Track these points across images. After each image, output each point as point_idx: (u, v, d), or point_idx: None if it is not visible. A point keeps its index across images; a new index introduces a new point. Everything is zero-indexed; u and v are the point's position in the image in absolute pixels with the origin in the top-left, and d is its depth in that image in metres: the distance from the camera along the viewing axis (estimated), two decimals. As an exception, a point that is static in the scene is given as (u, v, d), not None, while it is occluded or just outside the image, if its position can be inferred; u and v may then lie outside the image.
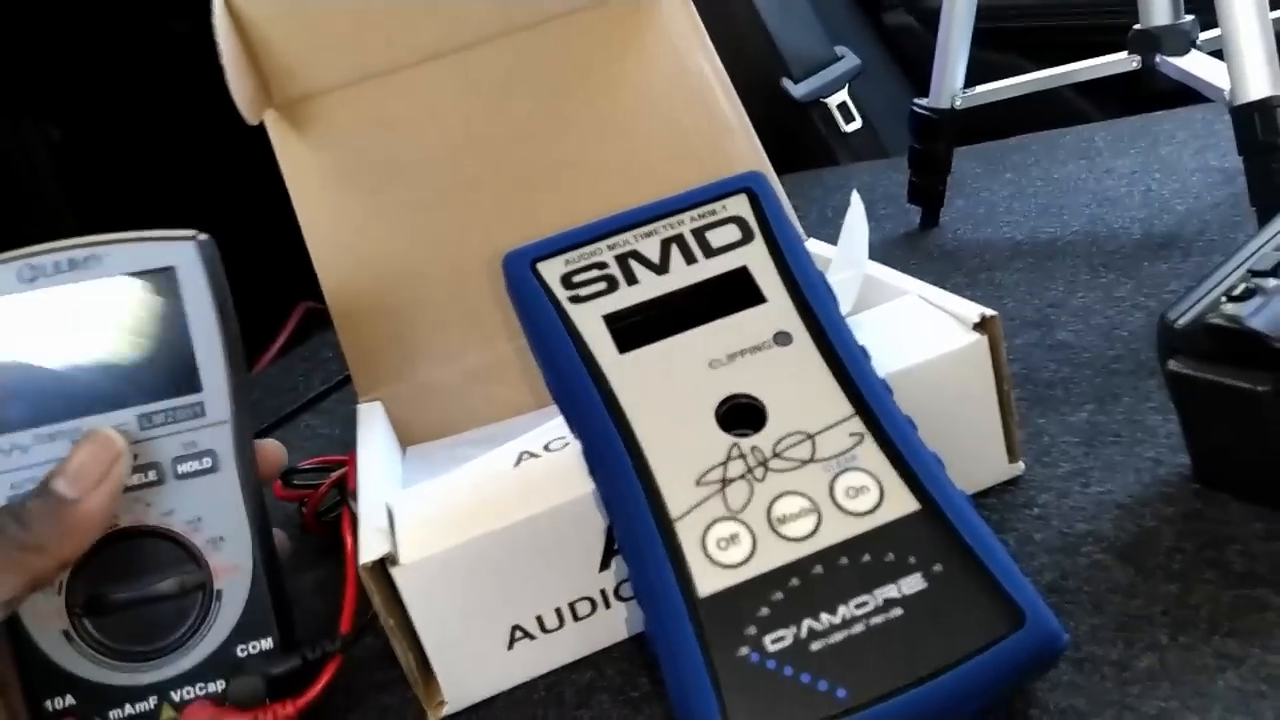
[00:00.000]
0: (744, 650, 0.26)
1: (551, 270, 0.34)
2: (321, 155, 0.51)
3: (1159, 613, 0.30)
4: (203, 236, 0.37)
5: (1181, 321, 0.33)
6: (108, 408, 0.35)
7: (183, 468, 0.35)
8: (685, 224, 0.34)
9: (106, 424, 0.34)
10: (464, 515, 0.33)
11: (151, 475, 0.34)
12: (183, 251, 0.36)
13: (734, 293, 0.33)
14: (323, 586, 0.43)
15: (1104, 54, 0.61)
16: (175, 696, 0.34)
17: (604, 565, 0.34)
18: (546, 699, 0.34)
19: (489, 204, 0.51)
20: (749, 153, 0.53)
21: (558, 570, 0.34)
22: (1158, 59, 0.56)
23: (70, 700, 0.33)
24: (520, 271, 0.34)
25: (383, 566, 0.32)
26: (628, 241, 0.34)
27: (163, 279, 0.36)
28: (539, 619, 0.34)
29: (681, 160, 0.52)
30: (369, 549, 0.32)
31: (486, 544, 0.33)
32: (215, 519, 0.35)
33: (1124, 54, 0.58)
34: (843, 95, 0.96)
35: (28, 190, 1.04)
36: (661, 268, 0.33)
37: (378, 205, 0.50)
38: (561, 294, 0.33)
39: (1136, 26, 0.57)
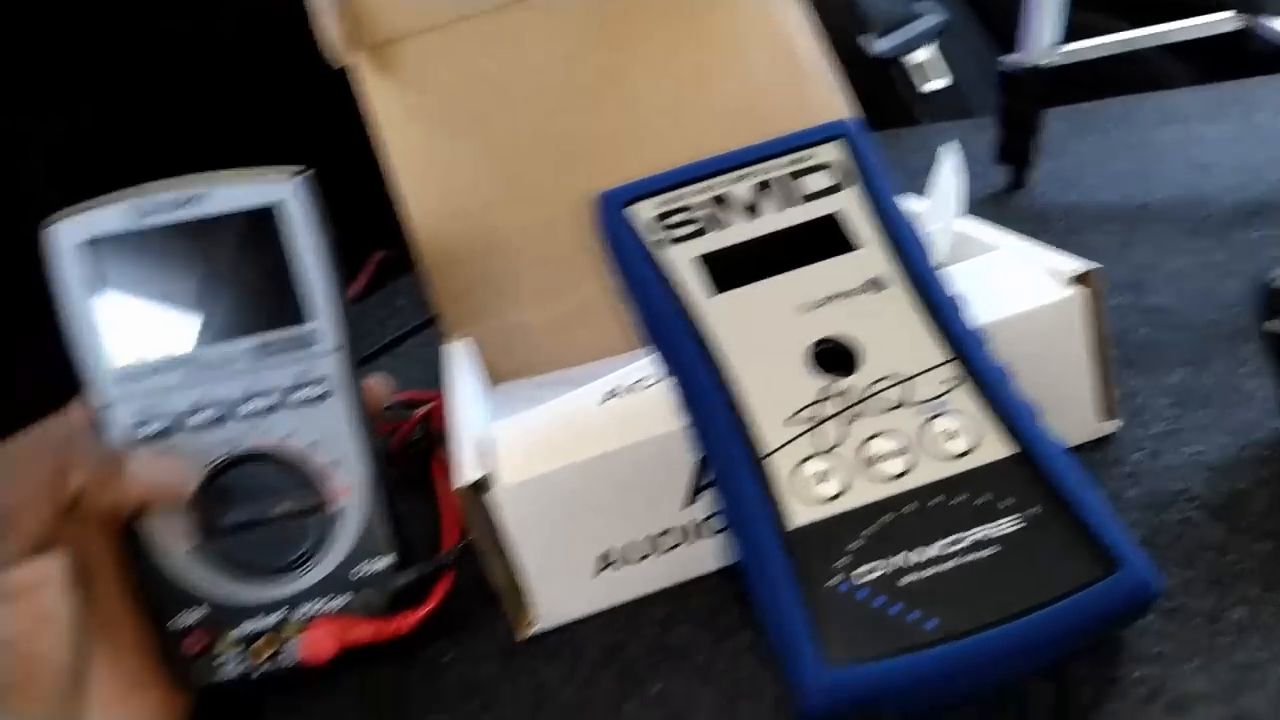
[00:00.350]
0: (835, 580, 0.27)
1: (643, 212, 0.34)
2: (414, 98, 0.51)
3: (1252, 568, 0.30)
4: (305, 172, 0.38)
5: (1283, 281, 0.33)
6: (222, 338, 0.36)
7: (297, 395, 0.36)
8: (778, 169, 0.35)
9: (221, 354, 0.36)
10: (557, 445, 0.34)
11: (268, 401, 0.36)
12: (287, 187, 0.37)
13: (827, 238, 0.33)
14: (411, 515, 0.44)
15: (1200, 14, 0.59)
16: (300, 612, 0.35)
17: (690, 500, 0.35)
18: (630, 624, 0.35)
19: (577, 149, 0.51)
20: (835, 103, 0.53)
21: (645, 502, 0.35)
22: (1260, 20, 0.54)
23: (197, 616, 0.35)
24: (612, 213, 0.34)
25: (477, 490, 0.33)
26: (720, 185, 0.34)
27: (269, 214, 0.37)
28: (626, 548, 0.35)
29: (763, 106, 0.52)
30: (467, 472, 0.33)
31: (578, 472, 0.34)
32: (330, 443, 0.36)
33: (1224, 14, 0.56)
34: (925, 53, 0.94)
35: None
36: (754, 211, 0.34)
37: (469, 148, 0.51)
38: (653, 236, 0.34)
39: (1241, -17, 0.56)
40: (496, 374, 0.49)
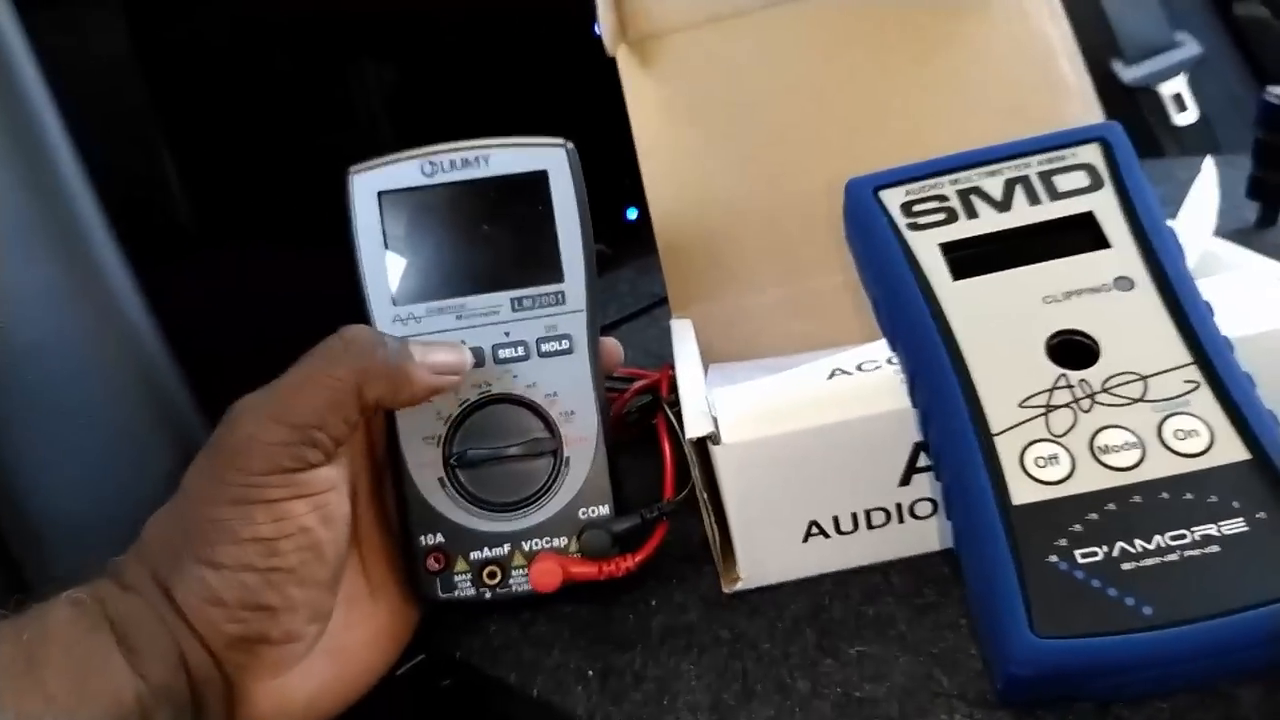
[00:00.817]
0: (1053, 558, 0.28)
1: (893, 198, 0.36)
2: (665, 89, 0.55)
3: None
4: (570, 145, 0.41)
5: None
6: (487, 289, 0.40)
7: (545, 347, 0.40)
8: (1032, 166, 0.35)
9: (485, 304, 0.40)
10: (780, 411, 0.36)
11: (519, 351, 0.40)
12: (555, 156, 0.41)
13: (1077, 235, 0.34)
14: (628, 475, 0.47)
15: None
16: (526, 546, 0.39)
17: (904, 481, 0.36)
18: (833, 592, 0.36)
19: (817, 147, 0.53)
20: (1087, 115, 0.52)
21: (860, 477, 0.36)
22: None
23: (440, 539, 0.39)
24: (862, 196, 0.36)
25: (703, 445, 0.36)
26: (971, 178, 0.36)
27: (537, 180, 0.41)
28: (835, 519, 0.37)
29: (1015, 119, 0.52)
30: (695, 426, 0.36)
31: (799, 440, 0.35)
32: (569, 395, 0.39)
33: None
34: (1178, 84, 0.91)
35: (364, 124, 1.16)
36: (1004, 205, 0.35)
37: (711, 139, 0.54)
38: (901, 220, 0.35)
39: None
40: (712, 355, 0.51)
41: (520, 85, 1.03)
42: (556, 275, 0.40)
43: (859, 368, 0.38)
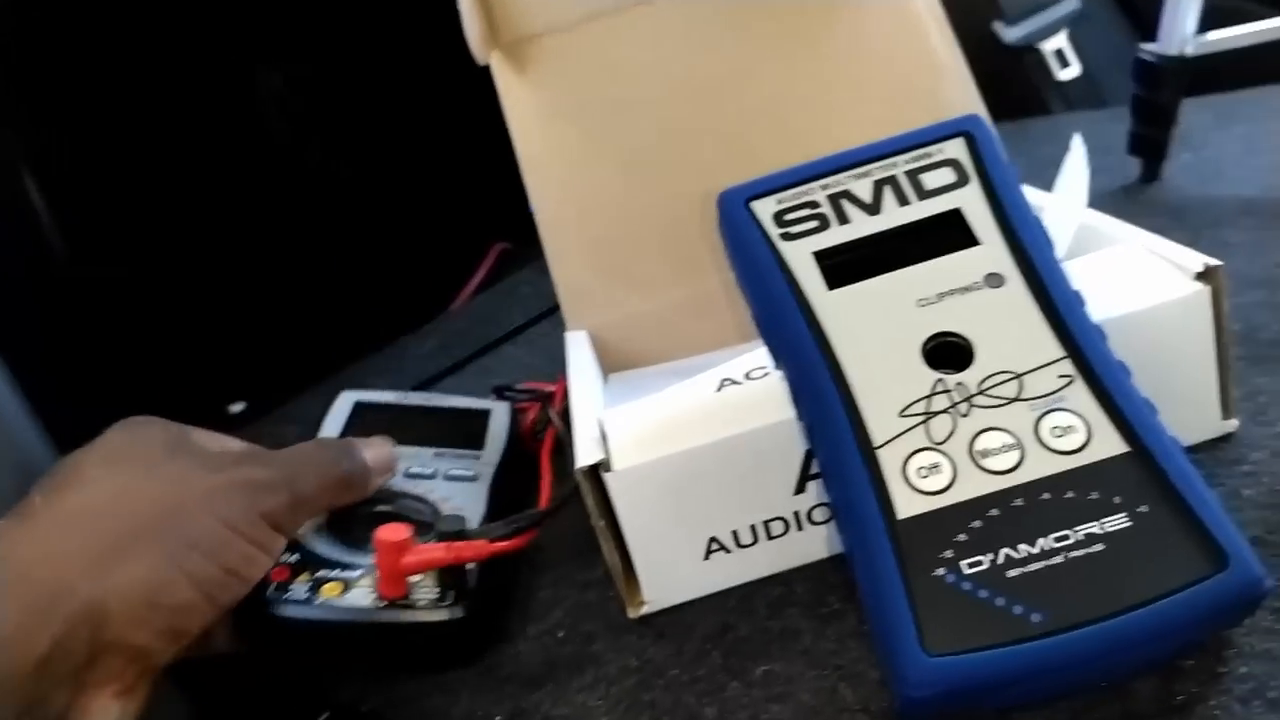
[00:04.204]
0: (940, 571, 0.27)
1: (764, 208, 0.35)
2: (543, 94, 0.54)
3: (1371, 573, 0.30)
4: (509, 413, 0.51)
5: None
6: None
7: (451, 473, 0.45)
8: (899, 166, 0.35)
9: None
10: (671, 431, 0.36)
11: (429, 471, 0.45)
12: (500, 408, 0.52)
13: (946, 234, 0.33)
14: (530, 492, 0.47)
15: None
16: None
17: (799, 489, 0.36)
18: (739, 608, 0.36)
19: (703, 143, 0.53)
20: (963, 95, 0.52)
21: (755, 489, 0.36)
22: None
23: (294, 557, 0.38)
24: (734, 208, 0.35)
25: (596, 472, 0.35)
26: (840, 182, 0.35)
27: (484, 415, 0.51)
28: (735, 533, 0.36)
29: (895, 102, 0.52)
30: (585, 455, 0.35)
31: (690, 458, 0.35)
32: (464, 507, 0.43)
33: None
34: (1060, 40, 0.92)
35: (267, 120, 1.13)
36: (874, 208, 0.34)
37: (595, 143, 0.53)
38: (774, 231, 0.35)
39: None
40: (612, 364, 0.50)
41: (412, 90, 1.01)
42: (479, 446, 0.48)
43: (748, 375, 0.38)
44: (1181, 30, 0.61)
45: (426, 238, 1.07)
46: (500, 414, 0.51)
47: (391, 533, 0.36)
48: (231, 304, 1.03)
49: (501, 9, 0.53)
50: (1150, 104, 0.64)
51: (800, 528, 0.36)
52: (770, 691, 0.32)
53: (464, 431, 0.49)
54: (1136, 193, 0.65)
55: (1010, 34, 0.90)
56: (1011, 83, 0.92)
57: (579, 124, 0.53)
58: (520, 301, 0.77)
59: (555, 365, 0.50)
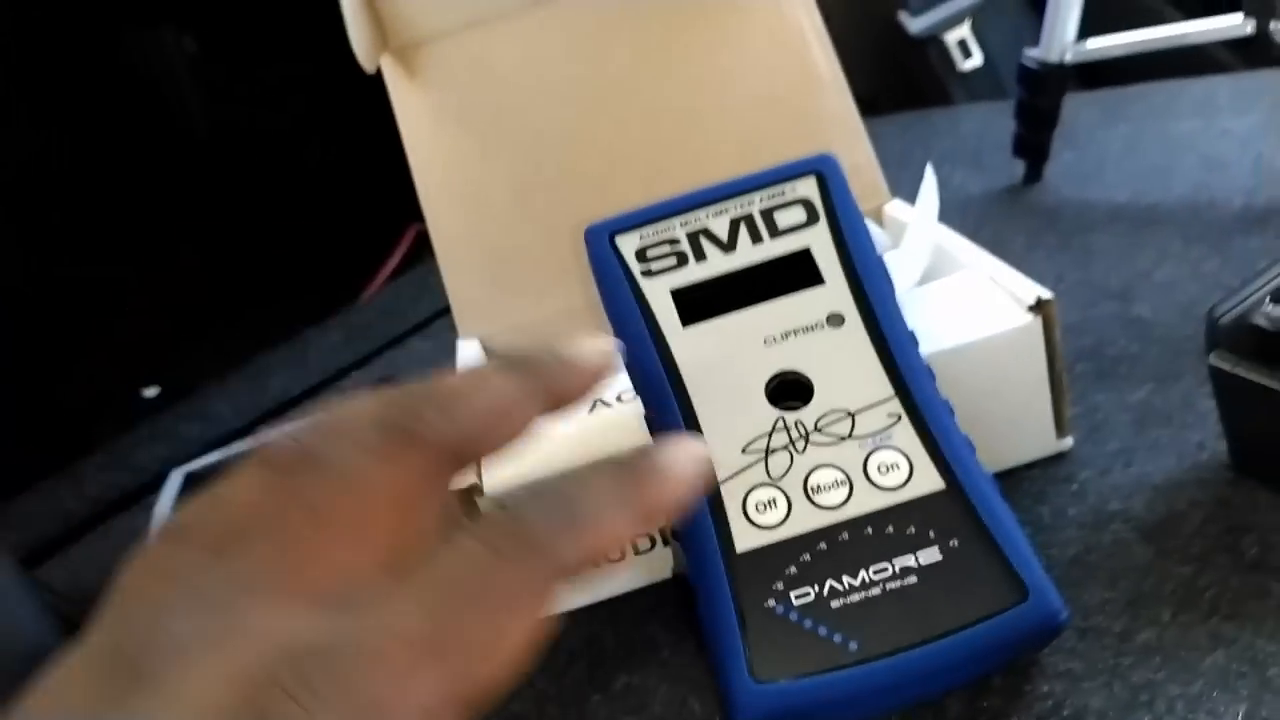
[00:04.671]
0: (771, 602, 0.30)
1: (628, 244, 0.37)
2: (431, 99, 0.54)
3: (1168, 592, 0.33)
4: None
5: (1225, 318, 0.35)
6: None
7: None
8: (755, 204, 0.37)
9: None
10: (544, 452, 0.37)
11: None
12: None
13: (795, 273, 0.35)
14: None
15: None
16: None
17: (665, 509, 0.38)
18: (610, 618, 0.38)
19: (585, 151, 0.54)
20: (840, 107, 0.54)
21: (624, 510, 0.38)
22: (1272, 25, 0.55)
23: None
24: (600, 244, 0.37)
25: (469, 495, 0.37)
26: (699, 219, 0.37)
27: None
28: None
29: (773, 112, 0.54)
30: (458, 479, 0.37)
31: (559, 483, 0.37)
32: None
33: (1235, 17, 0.57)
34: (962, 31, 0.94)
35: (166, 96, 1.11)
36: (729, 246, 0.36)
37: (482, 148, 0.54)
38: (635, 267, 0.36)
39: (1255, -13, 0.56)
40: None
41: (326, 64, 1.00)
42: None
43: (619, 398, 0.39)
44: (1062, 38, 0.64)
45: (342, 217, 1.07)
46: None
47: None
48: (145, 289, 1.03)
49: (389, 13, 0.54)
50: (1032, 108, 0.67)
51: (665, 542, 0.39)
52: (627, 704, 0.34)
53: None
54: (1019, 193, 0.68)
55: (915, 24, 0.93)
56: (915, 72, 0.94)
57: (467, 131, 0.54)
58: (429, 292, 0.78)
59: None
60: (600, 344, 0.26)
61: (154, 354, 0.96)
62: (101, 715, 0.18)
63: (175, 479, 0.53)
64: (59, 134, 0.99)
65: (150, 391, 0.93)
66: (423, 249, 0.99)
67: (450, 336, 0.70)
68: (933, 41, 0.93)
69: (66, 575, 0.55)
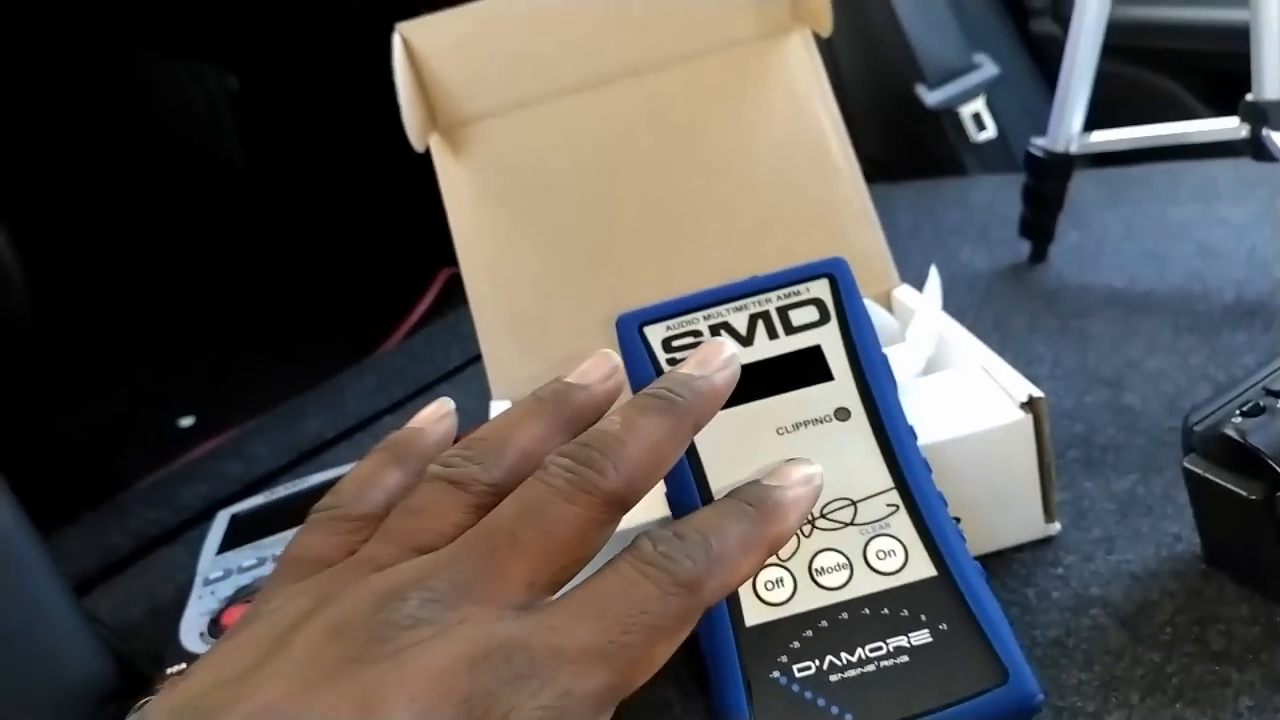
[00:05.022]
0: (775, 674, 0.33)
1: (655, 334, 0.40)
2: (474, 175, 0.58)
3: (1139, 676, 0.36)
4: None
5: (1199, 426, 0.38)
6: None
7: None
8: (772, 301, 0.40)
9: None
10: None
11: None
12: None
13: (806, 368, 0.39)
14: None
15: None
16: None
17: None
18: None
19: (615, 225, 0.58)
20: (854, 196, 0.58)
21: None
22: (1264, 132, 0.58)
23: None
24: (629, 333, 0.41)
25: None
26: (721, 314, 0.40)
27: None
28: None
29: (791, 198, 0.58)
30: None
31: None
32: None
33: (1232, 121, 0.60)
34: (978, 104, 0.98)
35: (208, 131, 1.16)
36: (747, 339, 0.40)
37: (522, 224, 0.58)
38: (661, 356, 0.40)
39: (1248, 97, 0.59)
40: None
41: (362, 108, 1.05)
42: None
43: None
44: (1068, 129, 0.67)
45: (375, 257, 1.11)
46: None
47: (232, 614, 0.40)
48: (179, 321, 1.07)
49: (438, 95, 0.58)
50: (1038, 193, 0.70)
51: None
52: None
53: None
54: (1024, 272, 0.71)
55: (931, 97, 0.96)
56: (930, 143, 0.98)
57: (507, 206, 0.58)
58: (460, 341, 0.82)
59: (486, 409, 0.55)
60: (724, 354, 0.32)
61: (188, 386, 1.00)
62: (356, 673, 0.23)
63: (222, 519, 0.57)
64: (101, 165, 1.04)
65: (186, 421, 0.97)
66: (453, 292, 1.03)
67: (478, 384, 0.73)
68: (948, 114, 0.97)
69: (111, 607, 0.59)
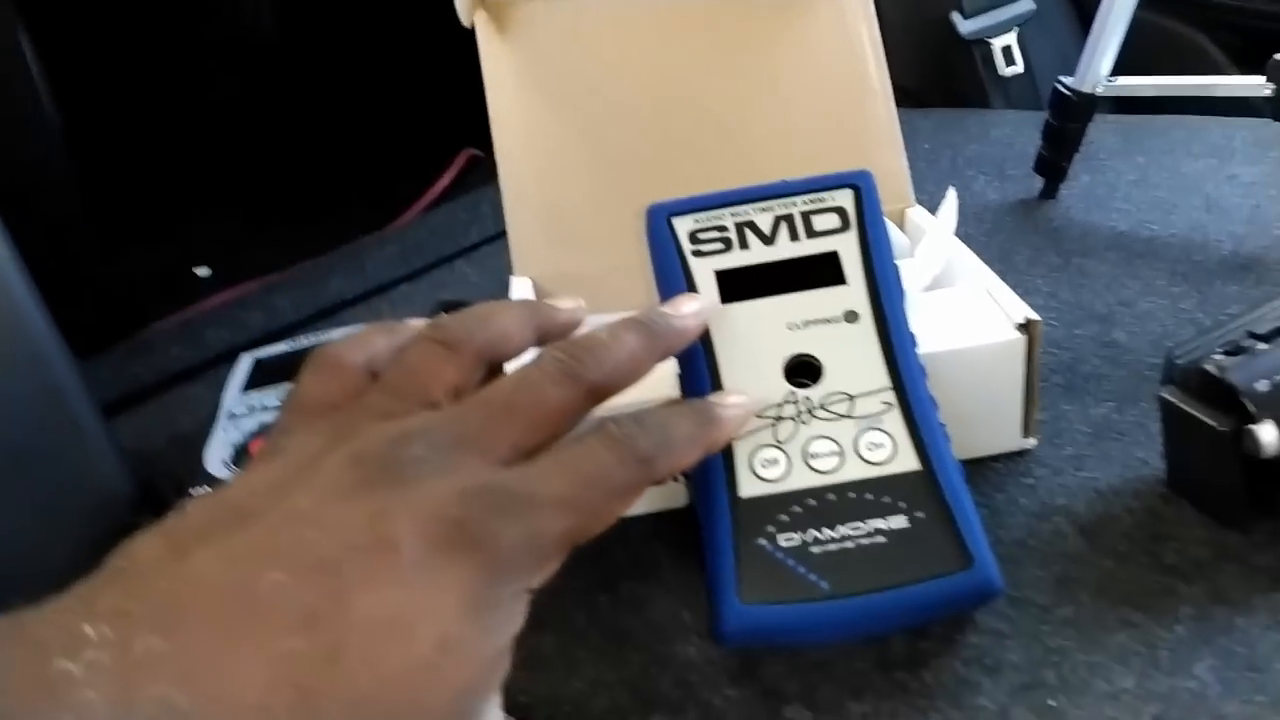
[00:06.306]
0: (762, 541, 0.36)
1: (683, 226, 0.43)
2: (518, 56, 0.60)
3: (1091, 578, 0.39)
4: None
5: (1181, 360, 0.41)
6: None
7: None
8: (797, 205, 0.43)
9: None
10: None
11: None
12: None
13: (823, 271, 0.41)
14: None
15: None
16: None
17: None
18: (619, 536, 0.43)
19: (653, 124, 0.60)
20: (884, 117, 0.60)
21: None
22: (1286, 93, 0.60)
23: None
24: (658, 222, 0.43)
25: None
26: (747, 212, 0.43)
27: None
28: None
29: (826, 113, 0.59)
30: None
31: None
32: None
33: (1258, 79, 0.62)
34: (1009, 38, 0.99)
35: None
36: (770, 239, 0.42)
37: (560, 110, 0.60)
38: (687, 246, 0.42)
39: (1277, 56, 0.61)
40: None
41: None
42: None
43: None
44: (1096, 71, 0.69)
45: (400, 132, 1.12)
46: None
47: (260, 444, 0.43)
48: (206, 175, 1.08)
49: (490, -31, 0.59)
50: (1058, 131, 0.72)
51: (676, 480, 0.45)
52: (629, 606, 0.41)
53: None
54: (1033, 208, 0.73)
55: (965, 26, 0.97)
56: (960, 72, 0.99)
57: (547, 91, 0.60)
58: (479, 220, 0.84)
59: (501, 286, 0.58)
60: (695, 306, 0.39)
61: (211, 244, 1.02)
62: (370, 494, 0.28)
63: (245, 361, 0.59)
64: (130, 33, 1.04)
65: (203, 271, 0.99)
66: (474, 174, 1.05)
67: (494, 264, 0.76)
68: (979, 44, 0.98)
69: (134, 434, 0.62)
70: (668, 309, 0.38)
